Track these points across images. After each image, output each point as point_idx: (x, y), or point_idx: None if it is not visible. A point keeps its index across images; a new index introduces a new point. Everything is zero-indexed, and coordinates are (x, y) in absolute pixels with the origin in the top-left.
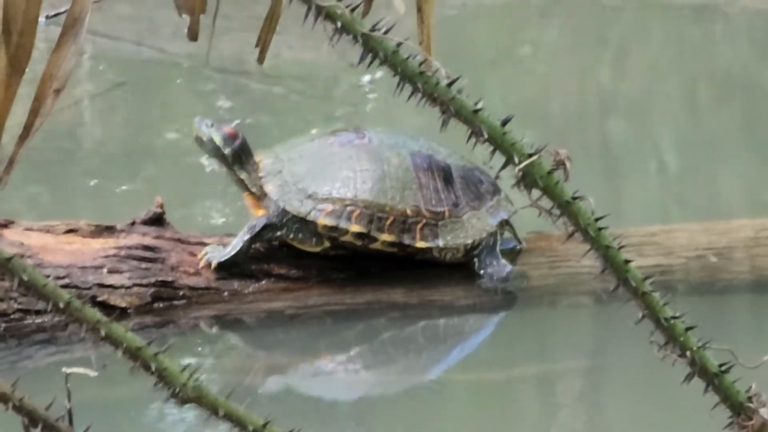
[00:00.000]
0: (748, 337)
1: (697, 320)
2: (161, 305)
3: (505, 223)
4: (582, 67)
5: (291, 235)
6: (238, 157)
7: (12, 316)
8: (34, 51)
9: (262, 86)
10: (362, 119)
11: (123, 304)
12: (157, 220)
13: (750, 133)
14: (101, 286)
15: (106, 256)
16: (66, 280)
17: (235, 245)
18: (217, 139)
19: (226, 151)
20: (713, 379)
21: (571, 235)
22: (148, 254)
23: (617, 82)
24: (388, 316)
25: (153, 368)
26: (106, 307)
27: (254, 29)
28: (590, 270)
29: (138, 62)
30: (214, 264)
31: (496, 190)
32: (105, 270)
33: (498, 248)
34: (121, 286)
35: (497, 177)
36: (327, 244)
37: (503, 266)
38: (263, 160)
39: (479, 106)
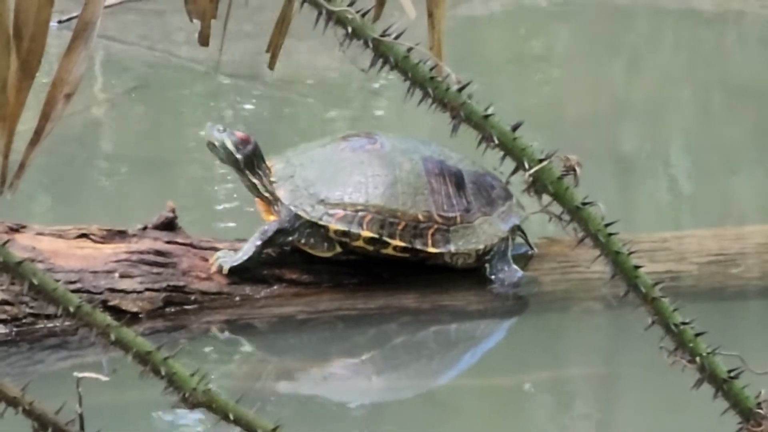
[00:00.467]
0: (759, 343)
1: (707, 326)
2: (173, 310)
3: (516, 229)
4: (594, 72)
5: (302, 240)
6: (250, 161)
7: (23, 321)
8: (47, 56)
9: (274, 91)
10: (374, 124)
11: (134, 309)
12: (168, 225)
13: (762, 139)
14: (113, 290)
15: (118, 261)
16: (77, 285)
17: (246, 250)
18: (229, 144)
19: (238, 156)
20: (722, 385)
21: (581, 241)
22: (159, 259)
23: (629, 87)
24: (399, 321)
25: (163, 372)
26: (117, 312)
27: (267, 34)
28: (601, 276)
29: (150, 67)
30: (225, 269)
31: (508, 196)
32: (117, 275)
33: (509, 254)
34: (133, 291)
35: (507, 182)
36: (338, 249)
37: (514, 272)
38: (275, 164)
39: (489, 111)
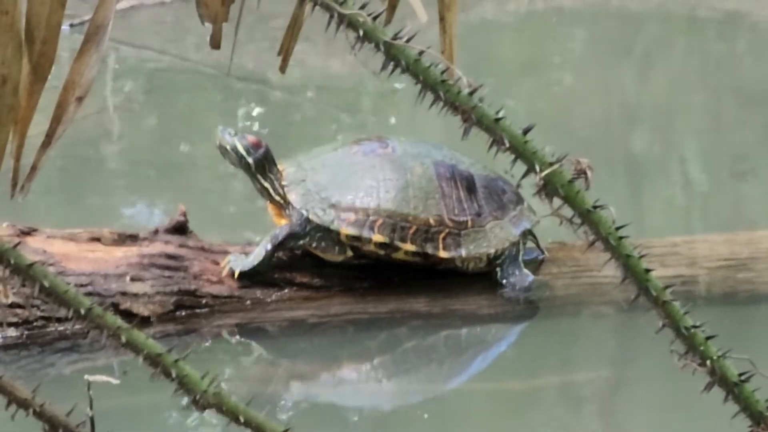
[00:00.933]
0: None
1: (718, 330)
2: (184, 313)
3: (527, 233)
4: (606, 77)
5: (314, 244)
6: (262, 165)
7: (34, 324)
8: (59, 59)
9: (286, 95)
10: (386, 128)
11: (145, 313)
12: (180, 229)
13: None
14: (124, 294)
15: (129, 264)
16: (89, 288)
17: (257, 254)
18: (241, 148)
19: (250, 159)
20: (733, 389)
21: (591, 244)
22: (170, 262)
23: (640, 92)
24: (410, 325)
25: (174, 374)
26: (128, 315)
27: (279, 38)
28: (612, 280)
29: (162, 71)
30: (236, 272)
31: (519, 200)
32: (128, 278)
33: (520, 258)
34: (144, 295)
35: (518, 185)
36: (349, 253)
37: (526, 276)
38: (286, 168)
39: (501, 114)
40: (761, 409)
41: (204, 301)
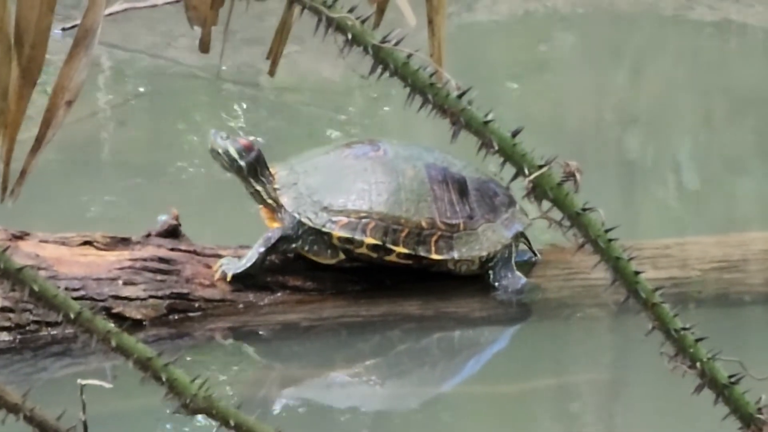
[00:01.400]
0: (762, 349)
1: (709, 332)
2: (176, 317)
3: (520, 236)
4: (598, 79)
5: (306, 247)
6: (254, 169)
7: (27, 328)
8: (50, 64)
9: (277, 98)
10: (377, 131)
11: (138, 316)
12: (172, 232)
13: (765, 146)
14: (116, 298)
15: (122, 268)
16: (81, 292)
17: (250, 257)
18: (233, 151)
19: (242, 163)
20: (723, 391)
21: (581, 247)
22: (163, 266)
23: (632, 94)
24: (403, 328)
25: (164, 378)
26: (121, 319)
27: (269, 42)
28: (605, 282)
29: (154, 74)
30: (229, 276)
31: (511, 203)
32: (120, 282)
33: (513, 260)
34: (137, 298)
35: (507, 188)
36: (342, 256)
37: (518, 278)
38: (278, 172)
39: (489, 117)
40: (751, 411)
41: (197, 305)
